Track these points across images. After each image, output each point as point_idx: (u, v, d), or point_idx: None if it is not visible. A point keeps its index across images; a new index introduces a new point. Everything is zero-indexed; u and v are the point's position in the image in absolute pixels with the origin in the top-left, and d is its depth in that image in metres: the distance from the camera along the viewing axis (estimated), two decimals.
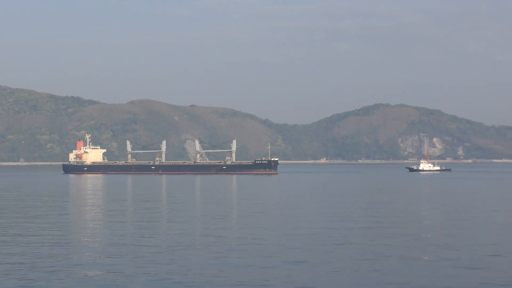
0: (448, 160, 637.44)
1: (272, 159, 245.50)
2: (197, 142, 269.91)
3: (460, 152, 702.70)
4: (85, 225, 59.03)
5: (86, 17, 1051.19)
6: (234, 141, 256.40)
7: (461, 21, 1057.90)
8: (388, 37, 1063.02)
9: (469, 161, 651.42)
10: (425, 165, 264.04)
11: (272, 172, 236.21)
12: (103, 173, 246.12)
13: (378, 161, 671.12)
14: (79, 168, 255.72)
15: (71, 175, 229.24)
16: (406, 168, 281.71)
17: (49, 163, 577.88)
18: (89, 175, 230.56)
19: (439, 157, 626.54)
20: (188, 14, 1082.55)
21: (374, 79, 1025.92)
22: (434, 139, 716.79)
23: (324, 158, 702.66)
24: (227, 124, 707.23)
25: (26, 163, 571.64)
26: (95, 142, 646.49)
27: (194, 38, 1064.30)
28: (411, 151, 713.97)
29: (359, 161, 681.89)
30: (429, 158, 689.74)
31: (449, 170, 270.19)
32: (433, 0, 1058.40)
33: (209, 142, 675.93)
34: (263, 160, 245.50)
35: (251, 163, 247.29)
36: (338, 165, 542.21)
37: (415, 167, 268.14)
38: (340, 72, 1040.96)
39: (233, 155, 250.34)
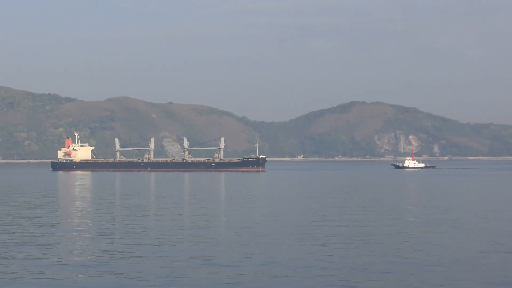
0: (424, 157, 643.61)
1: (260, 157, 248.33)
2: (185, 139, 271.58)
3: (436, 149, 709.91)
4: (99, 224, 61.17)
5: (62, 14, 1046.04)
6: (223, 139, 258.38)
7: (434, 17, 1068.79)
8: (361, 34, 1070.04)
9: (445, 158, 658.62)
10: (410, 162, 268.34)
11: (260, 170, 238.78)
12: (92, 171, 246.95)
13: (355, 159, 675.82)
14: (68, 166, 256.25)
15: (60, 173, 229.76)
16: (392, 165, 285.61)
17: (26, 160, 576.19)
18: (78, 173, 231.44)
19: (415, 155, 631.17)
20: (162, 10, 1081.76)
21: (350, 76, 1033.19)
22: (410, 137, 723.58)
23: (301, 156, 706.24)
24: (205, 121, 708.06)
25: (4, 161, 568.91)
26: (73, 140, 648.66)
27: (168, 34, 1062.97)
28: (387, 148, 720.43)
29: (336, 158, 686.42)
30: (405, 155, 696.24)
31: (433, 167, 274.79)
32: None
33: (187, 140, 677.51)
34: (251, 158, 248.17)
35: (239, 161, 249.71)
36: (316, 162, 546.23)
37: (400, 164, 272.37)
38: (316, 69, 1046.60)
39: (222, 152, 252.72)
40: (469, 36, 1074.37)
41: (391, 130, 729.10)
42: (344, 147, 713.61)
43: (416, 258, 38.29)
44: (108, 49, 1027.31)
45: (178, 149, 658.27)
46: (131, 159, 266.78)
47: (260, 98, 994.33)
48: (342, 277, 33.17)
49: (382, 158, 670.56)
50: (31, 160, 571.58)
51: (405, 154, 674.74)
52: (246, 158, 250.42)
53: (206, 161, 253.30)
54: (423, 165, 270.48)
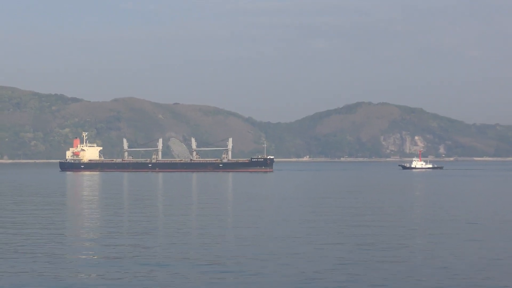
0: (430, 158, 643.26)
1: (268, 157, 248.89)
2: (193, 140, 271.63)
3: (442, 150, 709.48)
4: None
5: (68, 14, 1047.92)
6: (230, 139, 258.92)
7: (437, 17, 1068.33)
8: (363, 34, 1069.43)
9: (451, 159, 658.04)
10: (417, 163, 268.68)
11: (268, 170, 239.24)
12: (100, 171, 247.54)
13: (361, 159, 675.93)
14: (76, 166, 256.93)
15: (68, 173, 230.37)
16: (399, 166, 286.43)
17: (33, 160, 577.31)
18: (86, 173, 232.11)
19: (421, 155, 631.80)
20: (164, 10, 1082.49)
21: (355, 77, 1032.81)
22: (416, 137, 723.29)
23: (307, 156, 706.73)
24: (211, 122, 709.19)
25: (10, 161, 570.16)
26: (81, 140, 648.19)
27: (171, 34, 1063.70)
28: (393, 149, 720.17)
29: (342, 159, 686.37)
30: (410, 156, 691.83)
31: (441, 168, 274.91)
32: None
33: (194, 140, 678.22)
34: (259, 158, 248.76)
35: (247, 161, 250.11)
36: (322, 163, 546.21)
37: (407, 165, 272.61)
38: (322, 70, 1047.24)
39: (229, 153, 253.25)
40: (471, 36, 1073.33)
41: (397, 130, 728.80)
42: (350, 148, 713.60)
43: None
44: (113, 50, 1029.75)
45: (184, 150, 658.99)
46: (139, 160, 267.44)
47: (266, 99, 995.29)
48: (364, 277, 33.51)
49: (388, 159, 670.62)
50: (37, 161, 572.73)
51: (411, 155, 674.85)
52: (254, 158, 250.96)
53: (214, 161, 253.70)
54: (430, 165, 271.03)
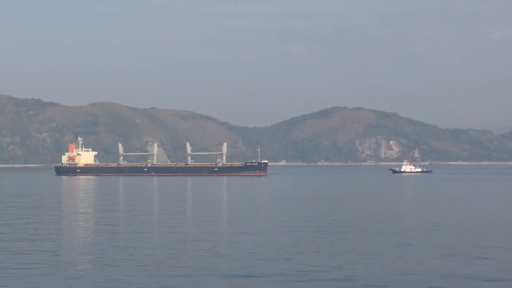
0: (405, 162, 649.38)
1: (262, 161, 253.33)
2: (188, 144, 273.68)
3: (417, 154, 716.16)
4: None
5: (44, 18, 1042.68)
6: (225, 144, 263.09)
7: (413, 23, 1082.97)
8: (341, 39, 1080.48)
9: (426, 163, 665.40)
10: (407, 167, 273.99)
11: (262, 174, 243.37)
12: (96, 175, 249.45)
13: (337, 163, 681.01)
14: (72, 170, 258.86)
15: (64, 177, 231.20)
16: (389, 169, 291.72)
17: (11, 165, 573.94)
18: (82, 177, 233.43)
19: (396, 160, 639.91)
20: (140, 14, 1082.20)
21: (331, 82, 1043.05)
22: (391, 142, 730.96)
23: (284, 161, 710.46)
24: (188, 126, 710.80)
25: None
26: (58, 145, 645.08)
27: (149, 38, 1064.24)
28: (368, 153, 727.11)
29: (319, 163, 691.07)
30: (386, 160, 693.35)
31: (430, 171, 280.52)
32: (383, 1, 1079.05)
33: (170, 145, 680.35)
34: (253, 162, 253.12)
35: (242, 165, 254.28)
36: (304, 167, 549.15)
37: (397, 169, 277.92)
38: (298, 74, 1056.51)
39: (224, 157, 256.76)
40: (448, 42, 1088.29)
41: (372, 135, 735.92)
42: (326, 152, 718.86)
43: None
44: (90, 54, 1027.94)
45: (162, 154, 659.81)
46: (134, 164, 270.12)
47: (242, 103, 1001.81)
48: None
49: (363, 163, 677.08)
50: (15, 165, 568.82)
51: (386, 159, 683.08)
52: (248, 162, 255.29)
53: (209, 165, 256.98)
54: (419, 169, 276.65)
